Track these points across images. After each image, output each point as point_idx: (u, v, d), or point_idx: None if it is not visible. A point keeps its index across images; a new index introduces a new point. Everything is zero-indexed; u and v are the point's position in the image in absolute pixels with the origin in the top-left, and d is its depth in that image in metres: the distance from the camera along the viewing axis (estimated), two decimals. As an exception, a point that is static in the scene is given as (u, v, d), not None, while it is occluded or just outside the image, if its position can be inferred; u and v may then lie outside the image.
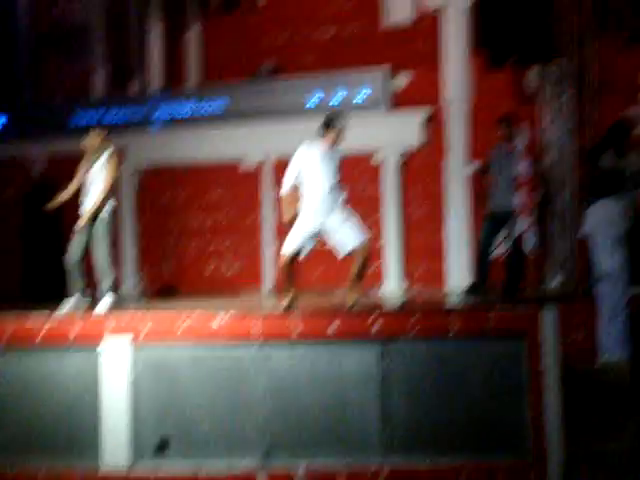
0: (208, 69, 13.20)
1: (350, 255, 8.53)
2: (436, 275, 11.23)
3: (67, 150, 11.97)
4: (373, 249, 11.24)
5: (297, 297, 8.74)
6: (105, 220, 9.48)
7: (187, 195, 12.56)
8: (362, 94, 11.48)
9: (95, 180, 9.48)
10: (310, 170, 8.46)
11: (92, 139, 9.54)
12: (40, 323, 8.53)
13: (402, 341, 8.06)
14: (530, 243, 9.66)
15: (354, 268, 8.56)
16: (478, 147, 10.95)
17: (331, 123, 8.50)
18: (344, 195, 8.58)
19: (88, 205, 9.46)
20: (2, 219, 13.14)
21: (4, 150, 13.00)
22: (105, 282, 9.46)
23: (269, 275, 11.88)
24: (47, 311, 9.12)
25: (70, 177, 9.58)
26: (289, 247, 8.55)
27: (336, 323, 8.13)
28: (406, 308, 9.05)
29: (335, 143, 8.52)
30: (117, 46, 13.57)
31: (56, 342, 8.46)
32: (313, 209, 8.46)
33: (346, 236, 8.45)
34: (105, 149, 9.53)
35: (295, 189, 8.53)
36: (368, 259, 8.57)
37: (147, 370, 8.40)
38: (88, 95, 13.42)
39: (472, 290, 10.13)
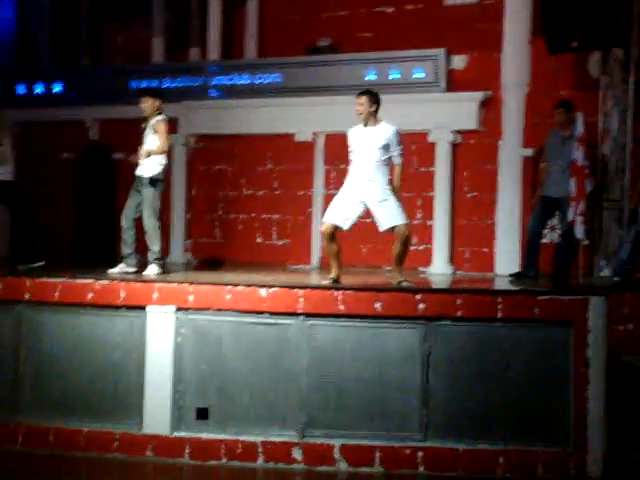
0: (265, 42, 13.18)
1: (391, 231, 8.51)
2: (485, 258, 11.13)
3: (123, 115, 12.09)
4: (423, 228, 11.28)
5: (341, 272, 8.73)
6: (156, 185, 9.56)
7: (239, 166, 12.58)
8: (418, 74, 11.38)
9: (148, 144, 9.57)
10: (356, 145, 8.64)
11: (146, 103, 9.63)
12: (90, 284, 8.65)
13: (447, 322, 8.04)
14: (581, 231, 9.54)
15: (395, 247, 8.60)
16: (535, 132, 10.81)
17: (372, 100, 8.59)
18: (389, 177, 8.59)
19: (142, 169, 9.57)
20: (58, 180, 13.27)
21: (63, 113, 13.12)
22: (154, 247, 9.55)
23: (317, 249, 11.87)
24: (98, 272, 9.24)
25: (124, 140, 9.65)
26: (329, 215, 8.65)
27: (381, 300, 8.13)
28: (453, 289, 8.99)
29: (374, 121, 8.60)
30: (176, 14, 13.62)
31: (104, 304, 8.57)
32: (355, 181, 8.57)
33: (387, 213, 8.51)
34: (158, 114, 9.61)
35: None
36: (408, 241, 8.60)
37: (190, 338, 8.49)
38: (146, 62, 13.49)
39: (521, 275, 10.05)
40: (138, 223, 9.64)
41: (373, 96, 8.65)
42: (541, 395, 7.92)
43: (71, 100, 13.33)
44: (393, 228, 8.53)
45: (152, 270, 9.46)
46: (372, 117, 8.63)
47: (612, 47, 10.23)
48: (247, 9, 13.30)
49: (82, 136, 13.28)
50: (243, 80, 12.49)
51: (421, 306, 8.05)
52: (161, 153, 9.54)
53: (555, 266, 9.93)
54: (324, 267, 10.96)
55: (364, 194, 8.55)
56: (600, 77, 10.51)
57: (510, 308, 7.91)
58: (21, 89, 13.57)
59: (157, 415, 8.43)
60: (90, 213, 13.17)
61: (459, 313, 7.99)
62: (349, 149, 8.76)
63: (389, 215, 8.50)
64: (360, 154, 8.62)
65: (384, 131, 8.60)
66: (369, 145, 8.57)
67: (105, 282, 8.68)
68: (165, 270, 9.69)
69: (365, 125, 8.65)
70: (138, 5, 14.19)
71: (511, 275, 10.23)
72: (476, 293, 8.26)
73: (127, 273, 9.40)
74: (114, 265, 9.61)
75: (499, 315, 7.92)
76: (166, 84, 12.81)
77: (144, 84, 12.77)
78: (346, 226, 8.64)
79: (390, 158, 8.61)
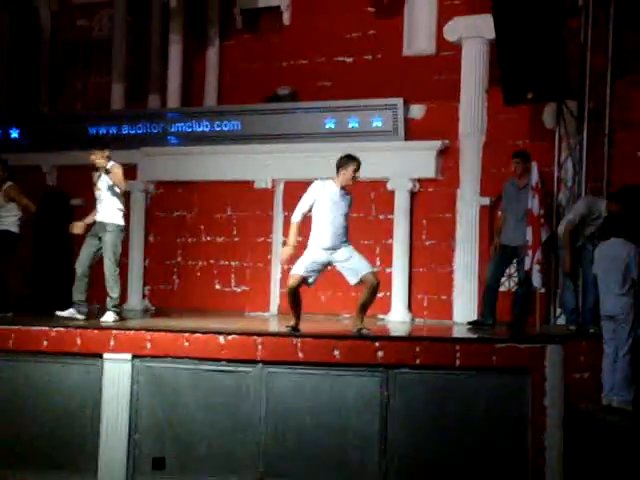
0: (225, 90, 13.27)
1: (361, 283, 8.57)
2: (444, 306, 11.18)
3: (81, 161, 12.00)
4: (382, 275, 11.32)
5: (300, 319, 8.73)
6: (117, 232, 9.53)
7: (198, 213, 12.57)
8: (376, 122, 11.51)
9: (102, 194, 9.56)
10: (322, 205, 8.65)
11: (97, 156, 9.65)
12: (45, 331, 8.55)
13: (406, 369, 8.04)
14: (538, 279, 9.64)
15: (363, 296, 8.62)
16: (492, 181, 10.96)
17: (345, 164, 8.67)
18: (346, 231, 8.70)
19: (102, 215, 9.54)
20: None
21: (20, 159, 12.99)
22: (113, 294, 9.49)
23: (276, 296, 11.87)
24: (53, 318, 9.14)
25: (82, 186, 9.64)
26: (298, 269, 8.63)
27: (340, 347, 8.12)
28: (412, 337, 9.01)
29: (347, 183, 8.71)
30: (136, 61, 13.66)
31: (60, 351, 8.47)
32: (322, 242, 8.62)
33: (356, 266, 8.59)
34: (109, 164, 9.62)
35: (304, 218, 8.70)
36: (376, 288, 8.60)
37: (147, 386, 8.41)
38: (105, 108, 13.48)
39: (479, 323, 10.11)
40: (93, 270, 9.59)
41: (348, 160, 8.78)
42: (499, 443, 7.93)
43: (29, 146, 13.27)
44: (363, 279, 8.57)
45: (109, 317, 9.39)
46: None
47: (566, 99, 10.44)
48: (207, 57, 13.38)
49: (40, 182, 13.19)
50: (202, 127, 12.52)
51: (380, 354, 8.06)
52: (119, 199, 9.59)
53: (512, 314, 10.01)
54: (283, 314, 10.94)
55: (331, 256, 8.63)
56: (555, 128, 10.70)
57: (468, 356, 7.95)
58: (-23, 135, 13.48)
59: (112, 465, 8.31)
60: (47, 259, 13.04)
61: (418, 361, 8.01)
62: (305, 200, 8.73)
63: (356, 269, 8.57)
64: (327, 219, 8.61)
65: (349, 196, 8.76)
66: (339, 210, 8.65)
67: (61, 329, 8.58)
68: (122, 317, 9.61)
69: (341, 190, 8.71)
70: (98, 51, 14.23)
71: (469, 323, 10.29)
72: (435, 341, 8.30)
73: (76, 319, 9.32)
74: (64, 309, 9.53)
75: (457, 363, 7.95)
76: (125, 130, 12.81)
77: (102, 130, 12.77)
78: (311, 281, 8.68)
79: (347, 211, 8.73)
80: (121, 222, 9.63)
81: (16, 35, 14.17)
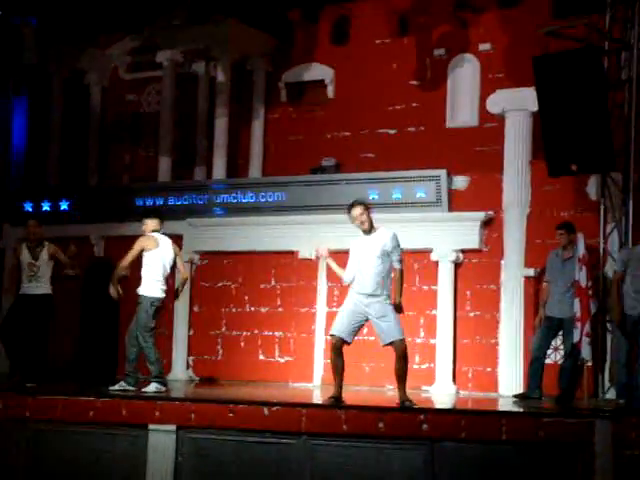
0: (269, 161, 13.47)
1: (391, 345, 8.52)
2: (489, 378, 11.07)
3: (128, 232, 12.19)
4: (426, 346, 11.26)
5: (342, 388, 8.66)
6: (145, 304, 9.56)
7: (242, 283, 12.63)
8: (420, 193, 11.55)
9: (145, 264, 9.65)
10: (354, 254, 8.73)
11: (149, 226, 9.75)
12: (92, 401, 8.59)
13: (451, 443, 7.93)
14: (587, 352, 9.52)
15: (396, 365, 8.58)
16: (536, 252, 10.91)
17: (367, 208, 8.76)
18: (389, 287, 8.64)
19: (140, 288, 9.62)
20: (63, 295, 13.27)
21: (69, 230, 13.20)
22: (151, 365, 9.49)
23: (320, 366, 11.83)
24: (99, 389, 9.19)
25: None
26: (336, 328, 8.65)
27: (385, 420, 8.05)
28: (457, 409, 8.91)
29: (360, 227, 8.70)
30: (183, 134, 13.93)
31: (105, 421, 8.50)
32: (355, 286, 8.63)
33: (388, 328, 8.51)
34: (152, 236, 9.71)
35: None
36: (405, 356, 8.54)
37: (192, 457, 8.38)
38: (152, 180, 13.72)
39: (525, 396, 9.97)
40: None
41: (365, 204, 8.80)
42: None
43: (78, 218, 13.51)
44: (392, 343, 8.53)
45: (151, 388, 9.37)
46: (371, 225, 8.75)
47: (611, 171, 10.42)
48: (252, 129, 13.64)
49: (88, 252, 13.36)
50: (247, 198, 12.65)
51: (425, 426, 7.97)
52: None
53: (559, 387, 9.88)
54: (326, 385, 10.90)
55: (366, 309, 8.58)
56: (600, 199, 10.67)
57: (515, 430, 7.81)
58: (28, 206, 13.72)
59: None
60: (94, 328, 13.17)
61: (463, 434, 7.90)
62: (350, 260, 8.77)
63: (388, 331, 8.52)
64: (361, 263, 8.64)
65: (383, 236, 8.68)
66: (370, 253, 8.62)
67: (107, 399, 8.62)
68: (167, 388, 9.62)
69: (367, 234, 8.73)
70: (146, 124, 14.56)
71: (515, 396, 10.15)
72: (480, 414, 8.20)
73: (127, 391, 9.33)
74: (114, 382, 9.56)
75: (503, 437, 7.81)
76: (171, 202, 12.98)
77: (149, 202, 12.95)
78: (350, 340, 8.66)
79: (391, 264, 8.66)
80: (153, 294, 9.57)
81: (68, 111, 14.57)
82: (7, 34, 12.28)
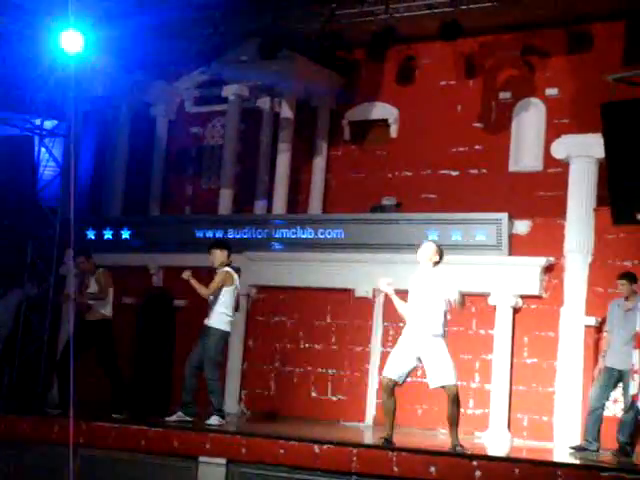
0: (330, 198, 13.49)
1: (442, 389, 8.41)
2: (544, 427, 10.85)
3: (187, 263, 12.23)
4: (481, 391, 11.09)
5: (394, 430, 8.55)
6: (216, 336, 9.59)
7: (298, 319, 12.61)
8: (480, 236, 11.45)
9: (216, 296, 9.68)
10: (415, 291, 8.64)
11: (214, 256, 9.81)
12: (144, 430, 8.62)
13: (505, 492, 7.77)
14: (646, 404, 9.28)
15: (448, 409, 8.47)
16: (598, 301, 10.72)
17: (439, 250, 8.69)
18: (446, 327, 8.53)
19: (209, 319, 9.64)
20: (120, 323, 13.40)
21: (128, 259, 13.34)
22: (213, 398, 9.50)
23: (372, 406, 11.71)
24: (152, 418, 9.21)
25: (187, 288, 9.82)
26: (389, 369, 8.56)
27: (436, 464, 7.93)
28: (511, 458, 8.73)
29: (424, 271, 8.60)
30: (245, 168, 14.04)
31: (157, 451, 8.51)
32: (408, 326, 8.55)
33: (441, 371, 8.40)
34: (231, 272, 9.76)
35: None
36: (457, 402, 8.42)
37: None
38: (213, 213, 13.82)
39: (583, 448, 9.73)
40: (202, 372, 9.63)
41: (439, 247, 8.75)
42: None
43: (138, 247, 13.64)
44: (443, 387, 8.41)
45: (214, 421, 9.38)
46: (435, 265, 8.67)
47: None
48: (314, 165, 13.72)
49: (146, 282, 13.49)
50: (306, 234, 12.65)
51: (478, 473, 7.83)
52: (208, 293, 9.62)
53: (618, 441, 9.63)
54: (378, 425, 10.78)
55: (420, 349, 8.47)
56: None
57: (572, 481, 7.63)
58: (91, 234, 13.87)
59: None
60: (150, 358, 13.24)
61: (518, 483, 7.74)
62: (408, 297, 8.69)
63: (441, 373, 8.41)
64: (417, 300, 8.57)
65: (441, 274, 8.61)
66: (427, 290, 8.55)
67: (159, 429, 8.64)
68: (226, 421, 9.58)
69: (426, 271, 8.66)
70: (209, 157, 14.73)
71: (572, 447, 9.90)
72: (535, 464, 8.01)
73: (185, 422, 9.32)
74: (171, 413, 9.56)
75: (561, 489, 7.64)
76: (231, 234, 13.02)
77: (209, 234, 13.03)
78: (402, 381, 8.57)
79: (448, 303, 8.53)
80: (225, 328, 9.67)
81: (134, 141, 14.81)
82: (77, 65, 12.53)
